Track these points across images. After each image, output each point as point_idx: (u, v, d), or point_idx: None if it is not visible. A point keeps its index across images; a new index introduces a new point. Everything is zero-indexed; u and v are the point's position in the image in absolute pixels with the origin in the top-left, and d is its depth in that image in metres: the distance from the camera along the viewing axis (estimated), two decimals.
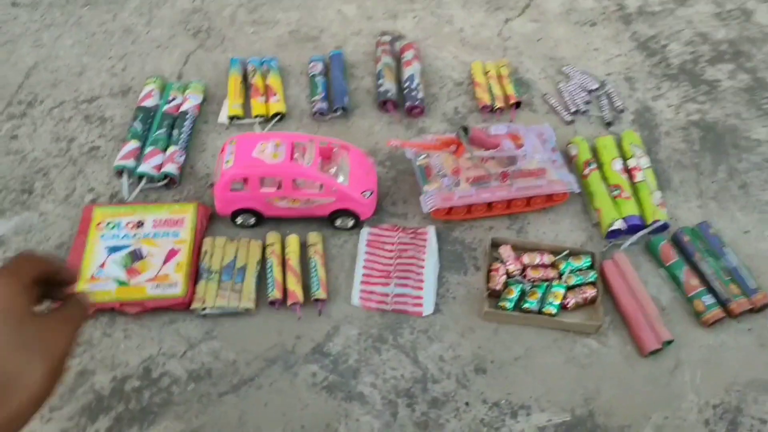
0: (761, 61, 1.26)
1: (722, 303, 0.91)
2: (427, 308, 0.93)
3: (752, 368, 0.88)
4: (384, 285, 0.95)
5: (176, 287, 0.93)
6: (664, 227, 1.00)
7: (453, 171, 0.98)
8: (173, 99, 1.15)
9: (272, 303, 0.93)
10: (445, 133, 1.14)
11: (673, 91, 1.21)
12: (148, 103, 1.15)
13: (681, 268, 0.94)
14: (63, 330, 0.54)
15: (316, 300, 0.93)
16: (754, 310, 0.92)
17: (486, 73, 1.22)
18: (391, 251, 0.99)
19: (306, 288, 0.95)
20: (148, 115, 1.13)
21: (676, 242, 0.99)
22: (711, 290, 0.93)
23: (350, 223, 1.01)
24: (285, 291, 0.94)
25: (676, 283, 0.94)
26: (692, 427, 0.83)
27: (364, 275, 0.97)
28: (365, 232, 1.01)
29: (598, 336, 0.91)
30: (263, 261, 0.97)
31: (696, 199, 1.06)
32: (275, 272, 0.95)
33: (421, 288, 0.94)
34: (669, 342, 0.89)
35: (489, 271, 0.94)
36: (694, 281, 0.93)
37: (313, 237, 0.99)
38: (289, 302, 0.93)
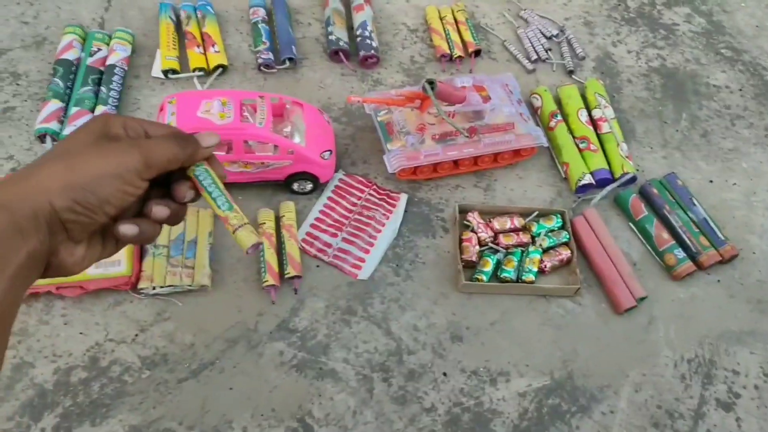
0: (715, 4, 1.24)
1: (692, 256, 0.91)
2: (365, 273, 0.88)
3: (723, 320, 0.88)
4: (332, 235, 0.90)
5: (120, 265, 0.83)
6: (632, 180, 0.97)
7: (417, 128, 0.92)
8: (97, 51, 1.02)
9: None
10: (402, 84, 1.07)
11: (632, 36, 1.18)
12: (69, 55, 1.01)
13: (651, 222, 0.93)
14: (165, 143, 0.45)
15: (289, 278, 0.86)
16: (723, 262, 0.92)
17: (442, 18, 1.14)
18: (353, 204, 0.93)
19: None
20: (69, 70, 1.00)
21: (645, 195, 0.97)
22: (681, 243, 0.92)
23: (308, 186, 0.93)
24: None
25: (646, 237, 0.93)
26: (669, 383, 0.82)
27: (316, 219, 0.91)
28: (337, 176, 0.95)
29: (573, 296, 0.88)
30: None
31: (661, 149, 1.04)
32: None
33: (368, 251, 0.89)
34: (642, 298, 0.87)
35: (461, 241, 0.89)
36: (665, 235, 0.92)
37: (283, 207, 0.91)
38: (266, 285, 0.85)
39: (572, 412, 0.80)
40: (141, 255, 0.85)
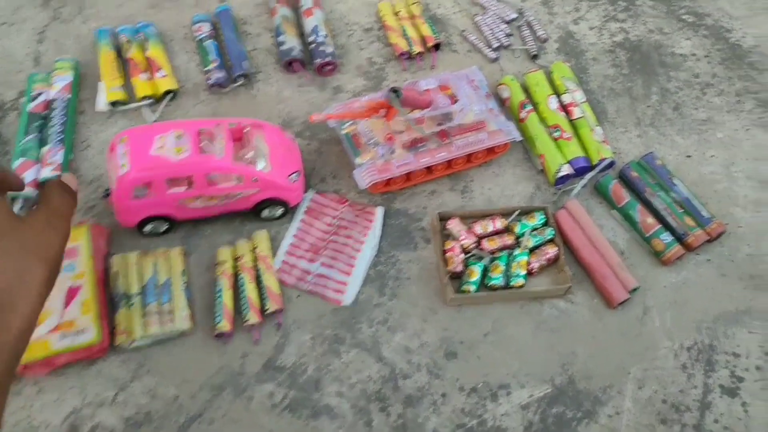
0: None
1: (679, 238, 0.88)
2: (348, 297, 0.84)
3: (717, 301, 0.86)
4: (309, 261, 0.86)
5: (88, 333, 0.77)
6: (611, 164, 0.95)
7: (386, 138, 0.88)
8: (38, 94, 0.95)
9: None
10: (363, 89, 1.02)
11: (592, 11, 1.14)
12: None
13: (634, 207, 0.90)
14: (54, 224, 0.57)
15: (270, 313, 0.82)
16: (710, 240, 0.90)
17: (396, 13, 1.09)
18: (329, 225, 0.89)
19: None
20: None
21: (625, 179, 0.94)
22: (667, 227, 0.89)
23: (279, 211, 0.89)
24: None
25: (631, 223, 0.90)
26: (672, 375, 0.81)
27: (291, 245, 0.87)
28: (308, 196, 0.91)
29: (564, 295, 0.86)
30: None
31: (635, 128, 1.01)
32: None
33: (348, 273, 0.85)
34: (635, 289, 0.85)
35: (443, 252, 0.86)
36: (650, 220, 0.89)
37: (256, 237, 0.87)
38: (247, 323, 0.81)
39: (578, 418, 0.77)
40: (108, 312, 0.80)
